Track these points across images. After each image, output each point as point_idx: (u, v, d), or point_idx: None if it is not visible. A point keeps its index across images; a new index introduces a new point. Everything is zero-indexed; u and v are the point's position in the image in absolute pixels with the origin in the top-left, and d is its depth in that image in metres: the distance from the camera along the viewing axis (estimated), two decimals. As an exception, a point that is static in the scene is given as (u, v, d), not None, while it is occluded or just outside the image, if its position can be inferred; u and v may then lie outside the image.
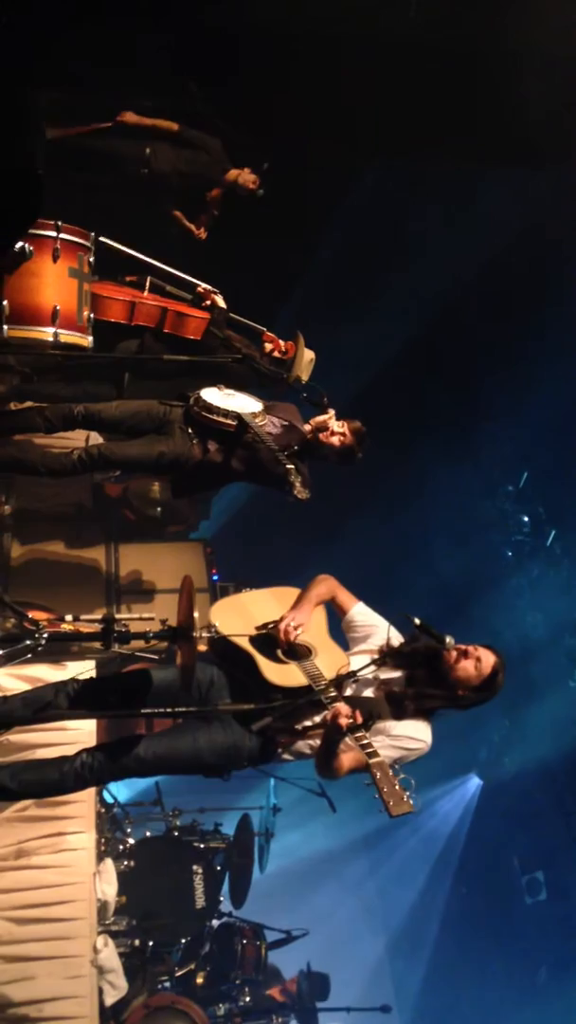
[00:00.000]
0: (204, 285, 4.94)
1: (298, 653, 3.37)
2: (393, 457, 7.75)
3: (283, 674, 3.26)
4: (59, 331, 4.03)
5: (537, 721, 8.69)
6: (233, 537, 8.25)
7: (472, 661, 3.24)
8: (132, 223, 5.59)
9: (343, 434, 4.50)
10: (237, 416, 4.38)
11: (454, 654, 3.23)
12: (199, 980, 6.11)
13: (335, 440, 4.50)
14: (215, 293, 4.93)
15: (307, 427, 4.57)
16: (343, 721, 2.88)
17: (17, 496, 5.85)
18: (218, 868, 6.22)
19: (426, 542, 9.08)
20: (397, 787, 2.60)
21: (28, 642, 3.04)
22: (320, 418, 4.54)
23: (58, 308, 3.99)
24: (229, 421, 4.40)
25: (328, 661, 3.34)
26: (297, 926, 7.22)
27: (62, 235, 3.98)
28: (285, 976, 7.26)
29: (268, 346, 5.01)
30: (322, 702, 3.03)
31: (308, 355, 4.94)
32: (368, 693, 3.33)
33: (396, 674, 3.34)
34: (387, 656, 3.33)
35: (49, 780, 3.32)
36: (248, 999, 6.31)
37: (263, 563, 8.04)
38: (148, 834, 6.22)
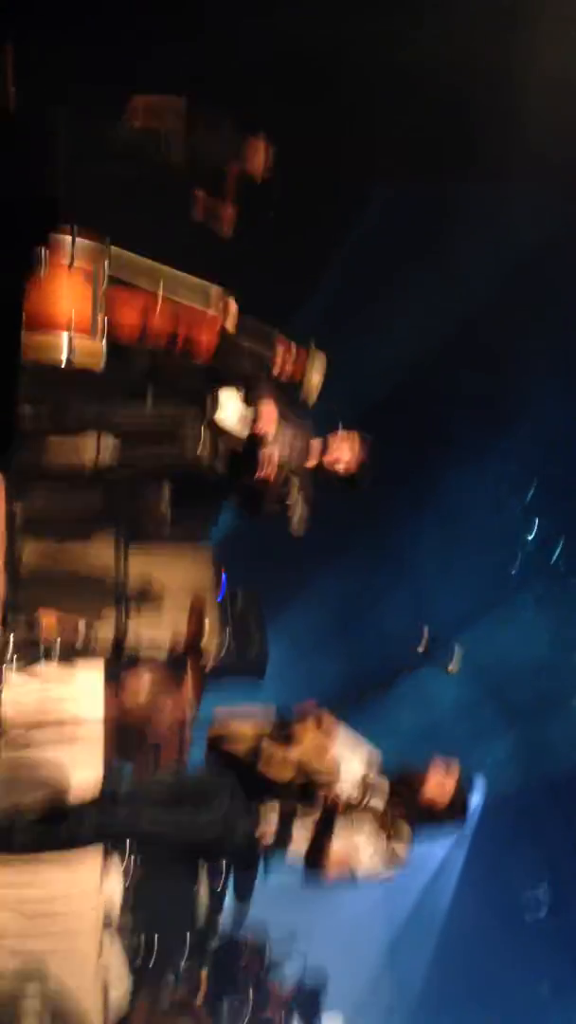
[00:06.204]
0: (217, 288, 4.97)
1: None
2: (401, 471, 7.76)
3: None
4: (73, 335, 4.10)
5: (541, 739, 8.68)
6: (243, 541, 8.26)
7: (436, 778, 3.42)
8: (147, 222, 5.63)
9: (348, 461, 4.33)
10: (250, 433, 4.29)
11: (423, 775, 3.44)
12: (201, 994, 6.12)
13: (340, 467, 4.34)
14: (228, 296, 4.97)
15: (313, 461, 4.41)
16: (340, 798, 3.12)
17: (30, 499, 5.90)
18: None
19: (432, 556, 9.08)
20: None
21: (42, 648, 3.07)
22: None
23: (73, 313, 4.05)
24: (239, 435, 4.34)
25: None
26: (300, 924, 7.19)
27: (78, 240, 4.06)
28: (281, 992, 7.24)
29: (276, 371, 5.01)
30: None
31: (316, 378, 4.97)
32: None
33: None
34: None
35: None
36: (249, 1015, 6.34)
37: (273, 569, 8.05)
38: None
